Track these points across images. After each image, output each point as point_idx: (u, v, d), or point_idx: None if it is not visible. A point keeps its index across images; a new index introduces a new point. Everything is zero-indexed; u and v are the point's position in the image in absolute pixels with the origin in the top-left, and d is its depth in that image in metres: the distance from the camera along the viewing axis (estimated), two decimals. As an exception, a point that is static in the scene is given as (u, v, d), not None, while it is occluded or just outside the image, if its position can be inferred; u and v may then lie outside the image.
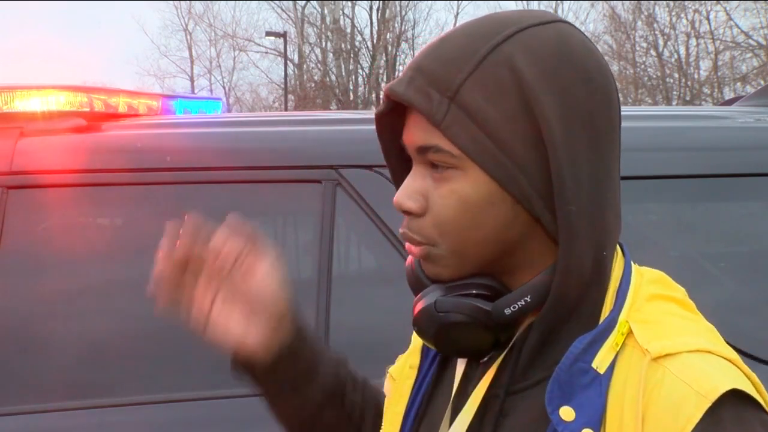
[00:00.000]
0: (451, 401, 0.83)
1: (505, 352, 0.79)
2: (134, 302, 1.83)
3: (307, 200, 1.85)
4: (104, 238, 1.95)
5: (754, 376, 0.74)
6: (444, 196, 0.76)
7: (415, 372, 0.89)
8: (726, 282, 1.86)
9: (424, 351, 0.90)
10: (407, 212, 0.78)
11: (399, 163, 0.83)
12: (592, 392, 0.72)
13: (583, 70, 0.75)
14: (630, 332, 0.74)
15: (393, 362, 0.97)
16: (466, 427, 0.79)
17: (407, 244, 0.80)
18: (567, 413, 0.71)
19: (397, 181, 0.83)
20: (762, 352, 1.66)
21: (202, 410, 1.71)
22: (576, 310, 0.75)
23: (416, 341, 0.92)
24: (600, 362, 0.72)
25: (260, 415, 1.72)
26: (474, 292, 0.78)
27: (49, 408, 1.71)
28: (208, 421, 1.70)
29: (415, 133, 0.77)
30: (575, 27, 0.79)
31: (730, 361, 0.73)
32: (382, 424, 0.91)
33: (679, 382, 0.69)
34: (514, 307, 0.76)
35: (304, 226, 2.04)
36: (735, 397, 0.69)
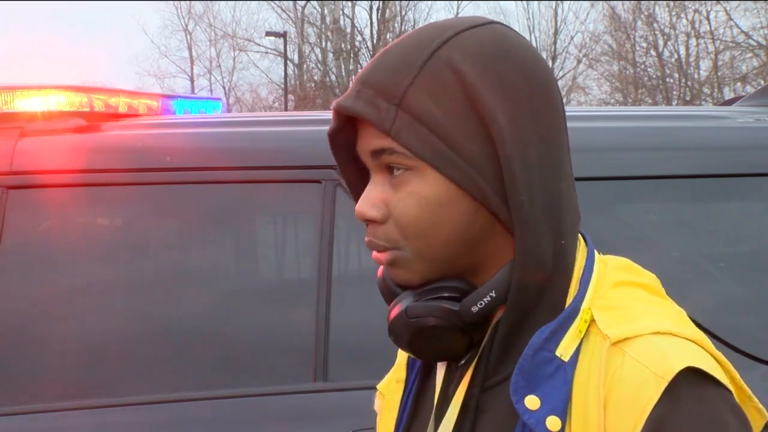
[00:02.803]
0: (434, 407, 0.84)
1: (480, 352, 0.80)
2: (134, 302, 1.84)
3: (307, 200, 1.85)
4: (104, 238, 1.95)
5: (721, 356, 0.75)
6: (403, 198, 0.77)
7: (402, 386, 0.91)
8: (726, 282, 1.86)
9: (410, 364, 0.91)
10: (370, 221, 0.80)
11: (356, 179, 0.86)
12: (557, 380, 0.73)
13: (522, 65, 0.77)
14: (593, 319, 0.75)
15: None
16: (450, 429, 0.80)
17: (374, 254, 0.81)
18: (532, 402, 0.73)
19: (356, 195, 0.85)
20: (762, 352, 1.66)
21: (202, 410, 1.71)
22: (540, 301, 0.77)
23: (402, 356, 0.94)
24: (564, 350, 0.74)
25: (260, 415, 1.73)
26: (444, 294, 0.79)
27: (49, 408, 1.71)
28: (207, 421, 1.70)
29: (369, 141, 0.79)
30: (510, 27, 0.81)
31: (694, 342, 0.73)
32: None
33: (638, 365, 0.70)
34: (480, 304, 0.77)
35: (304, 226, 2.03)
36: (693, 376, 0.70)
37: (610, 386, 0.71)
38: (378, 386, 0.95)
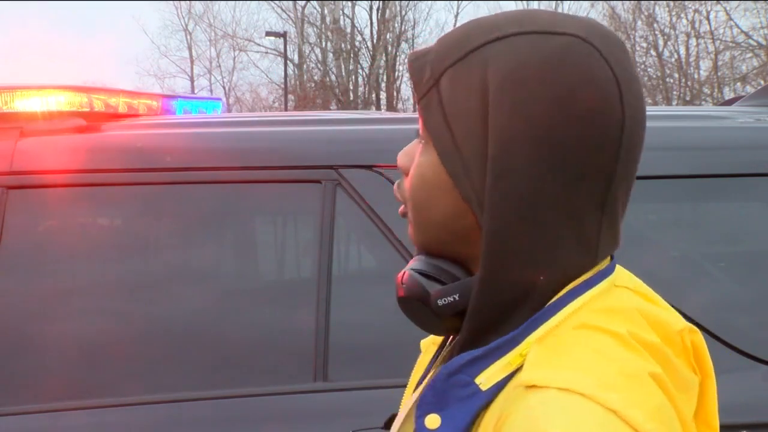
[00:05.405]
0: (416, 386, 0.85)
1: (451, 348, 0.79)
2: (134, 302, 1.84)
3: (307, 200, 1.85)
4: (104, 238, 1.95)
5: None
6: (414, 167, 0.79)
7: (435, 348, 0.90)
8: (726, 282, 1.86)
9: None
10: (400, 167, 0.82)
11: None
12: (467, 407, 0.69)
13: (563, 91, 0.70)
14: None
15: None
16: (408, 408, 0.82)
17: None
18: (432, 421, 0.70)
19: None
20: (762, 352, 1.66)
21: (202, 410, 1.71)
22: (503, 324, 0.72)
23: None
24: (485, 379, 0.70)
25: (260, 415, 1.73)
26: (437, 276, 0.79)
27: (49, 408, 1.71)
28: (207, 421, 1.70)
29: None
30: (594, 48, 0.71)
31: (614, 412, 0.63)
32: (405, 392, 0.93)
33: (525, 419, 0.64)
34: (444, 301, 0.77)
35: (304, 226, 2.04)
36: None
37: (498, 430, 0.66)
38: (421, 342, 0.96)
